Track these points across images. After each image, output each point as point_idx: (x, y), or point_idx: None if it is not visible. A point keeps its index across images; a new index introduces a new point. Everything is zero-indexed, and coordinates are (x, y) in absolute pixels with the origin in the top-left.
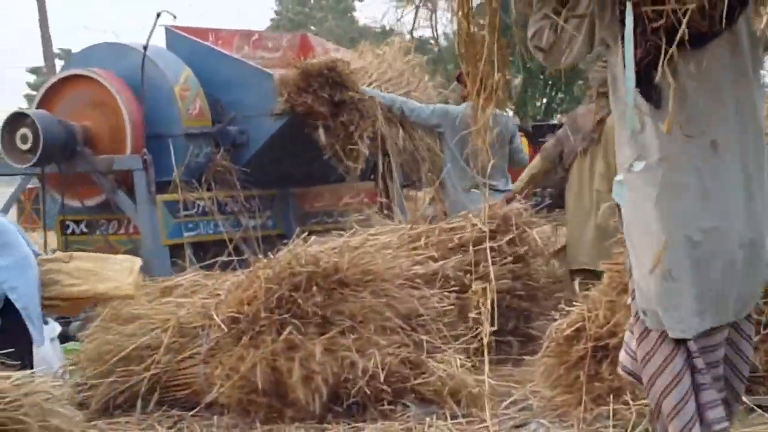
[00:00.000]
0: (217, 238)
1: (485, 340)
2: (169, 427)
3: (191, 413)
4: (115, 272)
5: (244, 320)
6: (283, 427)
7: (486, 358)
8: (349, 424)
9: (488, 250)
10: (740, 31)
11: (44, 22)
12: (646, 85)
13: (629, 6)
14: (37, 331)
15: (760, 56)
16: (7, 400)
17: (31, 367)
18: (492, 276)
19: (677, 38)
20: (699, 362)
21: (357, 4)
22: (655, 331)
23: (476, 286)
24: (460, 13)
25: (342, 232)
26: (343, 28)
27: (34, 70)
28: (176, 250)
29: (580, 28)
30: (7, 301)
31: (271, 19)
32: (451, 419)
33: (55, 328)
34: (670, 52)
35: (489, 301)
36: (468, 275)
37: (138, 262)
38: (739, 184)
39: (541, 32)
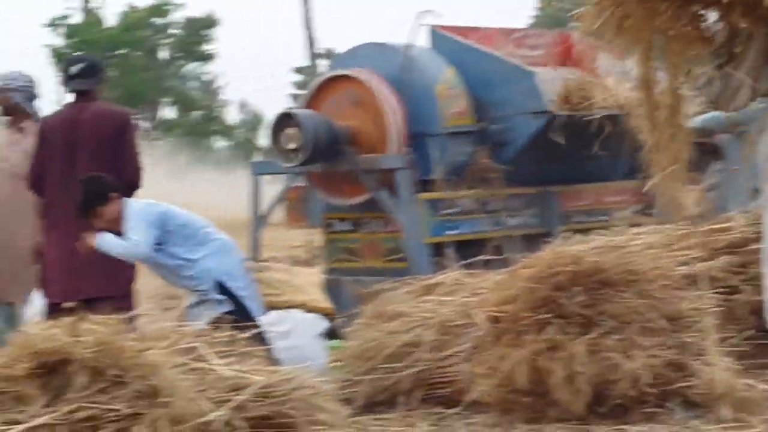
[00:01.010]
0: (479, 236)
1: None
2: (431, 425)
3: (453, 411)
4: (305, 284)
5: (505, 319)
6: (545, 427)
7: None
8: (612, 426)
9: None
10: None
11: (309, 22)
12: None
13: None
14: (256, 307)
15: None
16: (275, 393)
17: (263, 342)
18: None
19: None
20: None
21: None
22: None
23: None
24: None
25: (605, 231)
26: None
27: (299, 70)
28: (438, 249)
29: (744, 82)
30: None
31: (533, 17)
32: (719, 424)
33: (322, 324)
34: None
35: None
36: (736, 277)
37: (318, 275)
38: None
39: (710, 84)
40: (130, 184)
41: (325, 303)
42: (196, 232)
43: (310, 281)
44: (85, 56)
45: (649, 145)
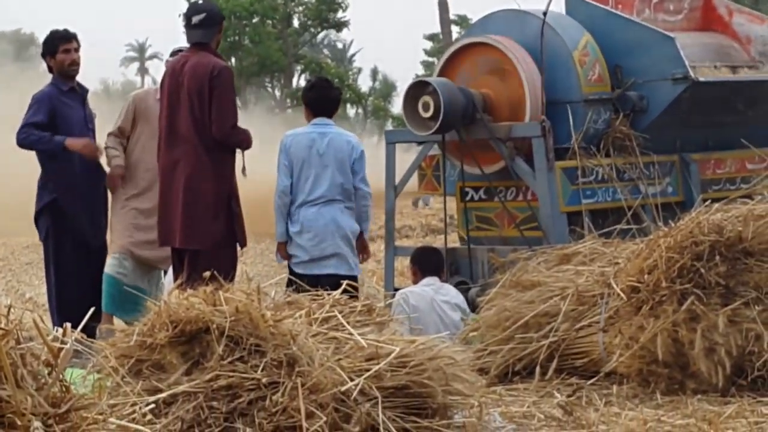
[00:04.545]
0: (616, 205)
1: None
2: (568, 395)
3: (589, 382)
4: None
5: (644, 289)
6: (684, 398)
7: None
8: (753, 398)
9: None
10: None
11: None
12: None
13: None
14: None
15: None
16: (412, 363)
17: None
18: None
19: None
20: None
21: None
22: None
23: None
24: None
25: (747, 200)
26: None
27: (430, 37)
28: (574, 218)
29: None
30: None
31: None
32: None
33: (459, 294)
34: None
35: None
36: None
37: None
38: None
39: None
40: (220, 139)
41: None
42: None
43: None
44: (205, 6)
45: None
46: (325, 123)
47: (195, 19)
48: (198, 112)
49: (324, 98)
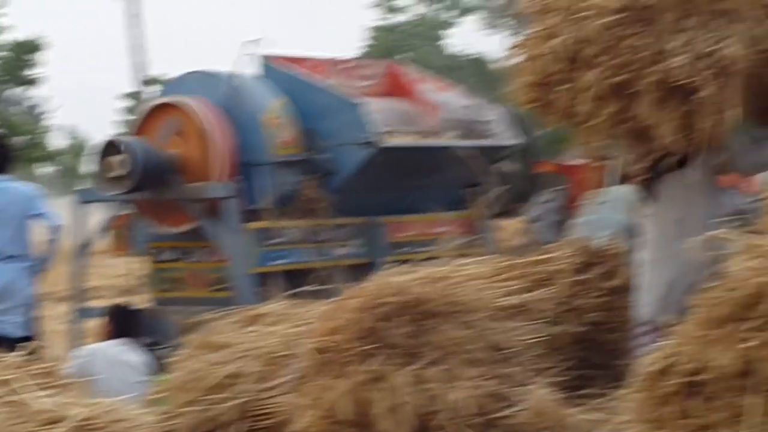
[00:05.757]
0: (306, 266)
1: None
2: None
3: None
4: None
5: (331, 350)
6: None
7: None
8: None
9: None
10: None
11: (137, 47)
12: None
13: None
14: None
15: None
16: (94, 426)
17: None
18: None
19: None
20: None
21: (448, 32)
22: None
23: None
24: None
25: (431, 262)
26: (432, 55)
27: (127, 96)
28: (265, 278)
29: None
30: None
31: (366, 46)
32: None
33: (140, 355)
34: None
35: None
36: (558, 307)
37: None
38: None
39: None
40: None
41: None
42: None
43: None
44: None
45: None
46: None
47: None
48: None
49: None
